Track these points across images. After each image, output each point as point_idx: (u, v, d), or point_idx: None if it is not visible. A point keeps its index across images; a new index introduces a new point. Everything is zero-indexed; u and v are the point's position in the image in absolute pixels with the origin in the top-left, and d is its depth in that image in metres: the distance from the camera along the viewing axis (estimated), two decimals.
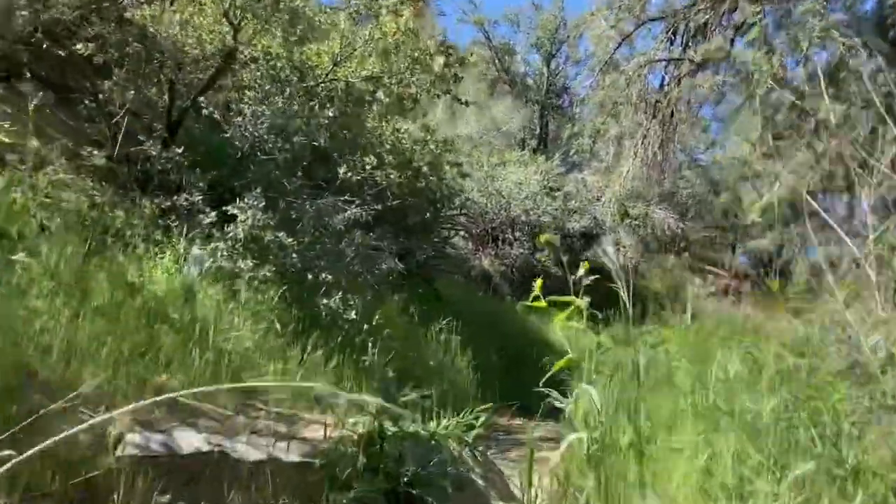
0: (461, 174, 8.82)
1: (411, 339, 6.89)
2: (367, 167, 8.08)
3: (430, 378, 6.63)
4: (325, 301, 5.53)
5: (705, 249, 26.98)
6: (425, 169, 8.47)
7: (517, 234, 16.07)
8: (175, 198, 5.79)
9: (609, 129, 15.44)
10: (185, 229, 5.55)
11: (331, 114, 6.65)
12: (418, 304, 8.02)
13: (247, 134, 6.25)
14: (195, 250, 5.03)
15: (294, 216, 6.21)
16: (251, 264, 5.36)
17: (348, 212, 7.24)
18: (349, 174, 7.79)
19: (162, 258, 5.28)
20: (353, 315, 5.55)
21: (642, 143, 14.70)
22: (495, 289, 15.43)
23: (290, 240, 5.65)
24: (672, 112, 14.47)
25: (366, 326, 5.72)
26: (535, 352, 9.60)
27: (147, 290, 4.74)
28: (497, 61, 25.57)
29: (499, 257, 15.91)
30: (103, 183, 6.25)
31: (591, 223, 17.05)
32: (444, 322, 7.70)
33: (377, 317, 6.22)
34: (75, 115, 7.21)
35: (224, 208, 5.62)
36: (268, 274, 5.59)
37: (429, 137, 8.01)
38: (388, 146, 7.75)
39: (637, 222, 17.18)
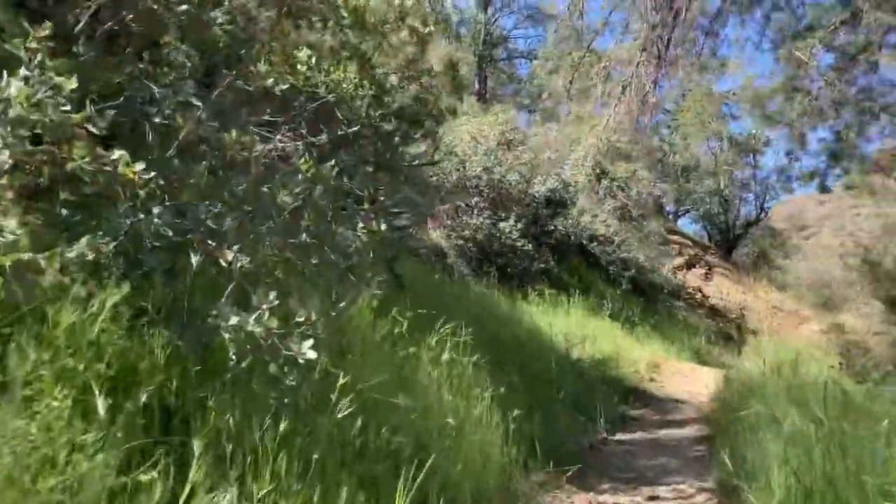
0: (455, 80, 5.45)
1: (405, 382, 3.58)
2: (300, 67, 4.71)
3: (447, 461, 3.35)
4: (232, 321, 2.12)
5: (658, 215, 24.73)
6: (394, 77, 5.11)
7: (475, 199, 12.83)
8: None
9: (590, 65, 12.50)
10: None
11: None
12: (396, 301, 4.69)
13: None
14: None
15: (159, 124, 2.76)
16: (19, 232, 1.93)
17: (271, 143, 3.92)
18: (272, 80, 4.41)
19: None
20: (309, 350, 2.19)
21: (629, 86, 11.82)
22: (452, 269, 12.19)
23: (138, 165, 2.22)
24: (669, 38, 11.64)
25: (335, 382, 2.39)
26: (552, 366, 6.45)
27: None
28: (427, 5, 22.10)
29: (454, 229, 12.61)
30: None
31: (557, 185, 14.00)
32: (446, 330, 4.43)
33: (350, 344, 2.92)
34: None
35: None
36: (88, 255, 2.17)
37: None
38: (331, 23, 4.32)
39: (617, 184, 14.16)
